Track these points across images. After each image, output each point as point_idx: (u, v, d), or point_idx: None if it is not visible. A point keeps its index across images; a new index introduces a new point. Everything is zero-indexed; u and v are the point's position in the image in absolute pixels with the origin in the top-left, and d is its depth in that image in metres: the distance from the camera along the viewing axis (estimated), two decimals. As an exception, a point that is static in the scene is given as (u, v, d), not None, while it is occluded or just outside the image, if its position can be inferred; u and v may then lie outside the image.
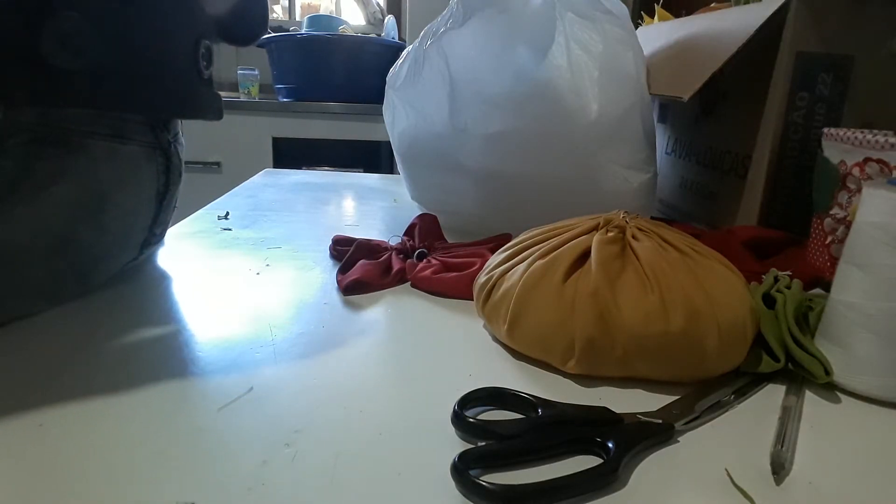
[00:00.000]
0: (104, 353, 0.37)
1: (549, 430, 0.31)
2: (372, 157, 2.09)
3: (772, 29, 0.56)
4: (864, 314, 0.35)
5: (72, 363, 0.36)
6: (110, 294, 0.47)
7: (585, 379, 0.37)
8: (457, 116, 0.60)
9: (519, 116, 0.58)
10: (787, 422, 0.32)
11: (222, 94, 0.53)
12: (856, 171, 0.49)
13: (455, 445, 0.29)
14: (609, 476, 0.27)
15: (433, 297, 0.49)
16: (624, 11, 0.61)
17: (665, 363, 0.35)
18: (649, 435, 0.30)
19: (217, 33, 0.54)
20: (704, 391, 0.35)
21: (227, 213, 0.73)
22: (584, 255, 0.39)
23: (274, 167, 1.49)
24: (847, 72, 0.57)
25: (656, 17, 0.93)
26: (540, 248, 0.41)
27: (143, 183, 0.47)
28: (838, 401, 0.35)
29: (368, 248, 0.56)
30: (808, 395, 0.36)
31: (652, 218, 0.49)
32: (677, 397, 0.34)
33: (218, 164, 2.02)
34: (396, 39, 2.23)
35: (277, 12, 2.70)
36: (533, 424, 0.31)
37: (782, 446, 0.30)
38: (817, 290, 0.50)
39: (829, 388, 0.36)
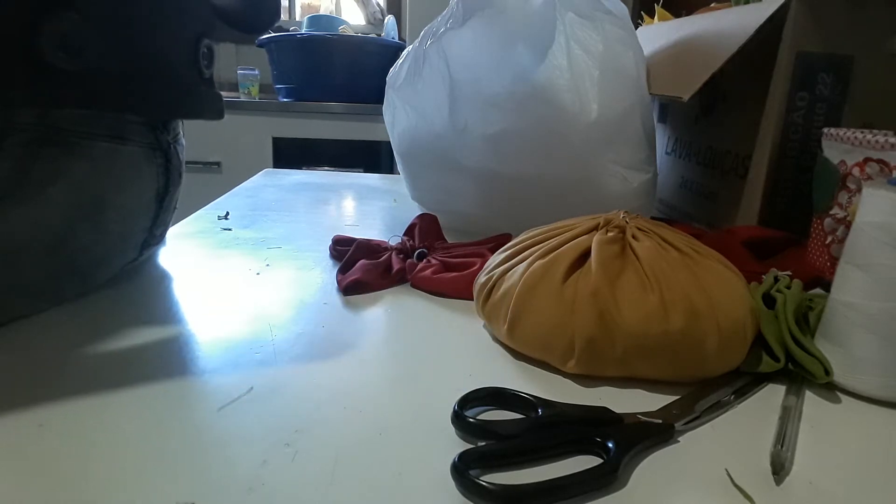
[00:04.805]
0: (104, 353, 0.37)
1: (549, 430, 0.31)
2: (372, 157, 2.09)
3: (772, 29, 0.56)
4: (864, 314, 0.35)
5: (72, 363, 0.36)
6: (110, 294, 0.47)
7: (585, 379, 0.37)
8: (457, 116, 0.60)
9: (519, 116, 0.58)
10: (787, 422, 0.32)
11: (222, 94, 0.53)
12: (856, 171, 0.49)
13: (455, 445, 0.29)
14: (609, 476, 0.27)
15: (433, 297, 0.49)
16: (624, 11, 0.61)
17: (665, 363, 0.35)
18: (649, 435, 0.30)
19: (228, 22, 0.53)
20: (704, 391, 0.35)
21: (227, 213, 0.73)
22: (584, 255, 0.39)
23: (274, 167, 1.49)
24: (847, 72, 0.57)
25: (656, 17, 0.93)
26: (540, 248, 0.41)
27: (142, 184, 0.47)
28: (838, 401, 0.35)
29: (368, 248, 0.56)
30: (808, 395, 0.36)
31: (652, 218, 0.49)
32: (677, 397, 0.34)
33: (218, 164, 2.02)
34: (396, 39, 2.23)
35: (277, 12, 2.70)
36: (533, 424, 0.31)
37: (782, 446, 0.30)
38: (817, 290, 0.50)
39: (829, 388, 0.36)
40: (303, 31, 2.13)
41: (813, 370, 0.35)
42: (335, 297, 0.48)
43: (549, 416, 0.31)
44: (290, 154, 2.06)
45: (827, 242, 0.52)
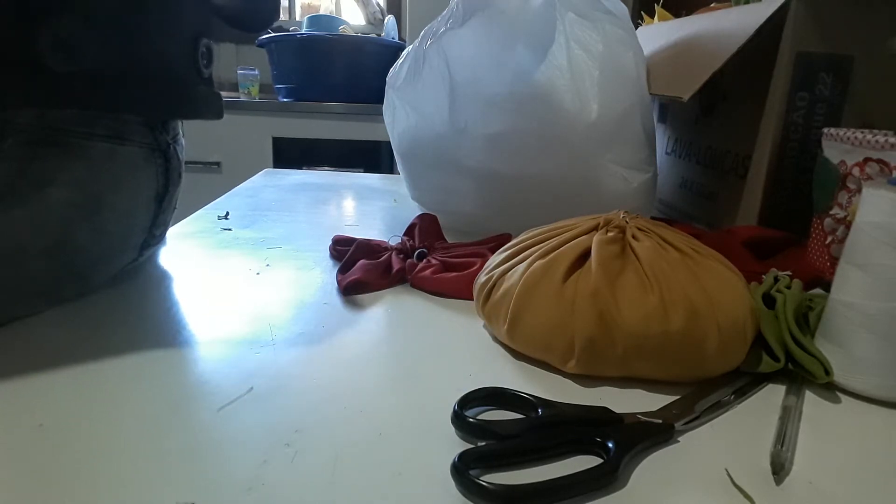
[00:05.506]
0: (104, 353, 0.37)
1: (549, 430, 0.31)
2: (372, 157, 2.09)
3: (772, 29, 0.56)
4: (864, 314, 0.35)
5: (72, 363, 0.36)
6: (110, 294, 0.47)
7: (585, 379, 0.37)
8: (457, 116, 0.60)
9: (519, 116, 0.58)
10: (787, 422, 0.32)
11: (222, 94, 0.53)
12: (856, 171, 0.49)
13: (455, 445, 0.29)
14: (609, 476, 0.27)
15: (433, 297, 0.49)
16: (624, 11, 0.61)
17: (665, 363, 0.35)
18: (649, 435, 0.30)
19: (226, 21, 0.53)
20: (704, 391, 0.35)
21: (227, 213, 0.73)
22: (584, 255, 0.39)
23: (274, 167, 1.49)
24: (847, 72, 0.57)
25: (656, 17, 0.93)
26: (540, 248, 0.41)
27: (141, 184, 0.47)
28: (838, 401, 0.35)
29: (368, 248, 0.56)
30: (808, 395, 0.36)
31: (652, 218, 0.49)
32: (677, 397, 0.34)
33: (218, 164, 2.02)
34: (396, 39, 2.23)
35: (277, 12, 2.70)
36: (533, 424, 0.31)
37: (782, 446, 0.30)
38: (817, 290, 0.50)
39: (829, 388, 0.36)
40: (303, 31, 2.13)
41: (813, 370, 0.35)
42: (335, 297, 0.48)
43: (549, 416, 0.31)
44: (290, 154, 2.06)
45: (827, 242, 0.52)
